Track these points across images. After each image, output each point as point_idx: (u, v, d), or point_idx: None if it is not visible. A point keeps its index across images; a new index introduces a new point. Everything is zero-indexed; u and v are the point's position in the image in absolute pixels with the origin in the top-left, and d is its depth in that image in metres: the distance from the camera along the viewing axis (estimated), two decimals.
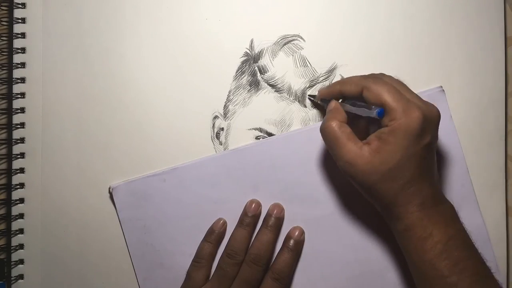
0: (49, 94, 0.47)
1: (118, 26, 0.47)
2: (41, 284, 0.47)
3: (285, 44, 0.47)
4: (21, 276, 0.47)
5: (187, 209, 0.46)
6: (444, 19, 0.47)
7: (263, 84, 0.47)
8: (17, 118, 0.47)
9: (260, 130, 0.47)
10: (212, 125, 0.47)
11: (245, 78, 0.47)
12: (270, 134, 0.47)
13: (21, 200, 0.47)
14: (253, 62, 0.47)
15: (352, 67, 0.47)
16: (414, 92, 0.40)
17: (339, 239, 0.46)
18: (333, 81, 0.47)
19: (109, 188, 0.47)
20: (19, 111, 0.47)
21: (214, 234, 0.46)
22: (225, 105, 0.47)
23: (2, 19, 0.47)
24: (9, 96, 0.47)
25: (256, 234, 0.45)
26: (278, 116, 0.47)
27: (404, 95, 0.38)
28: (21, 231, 0.47)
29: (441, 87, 0.47)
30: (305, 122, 0.47)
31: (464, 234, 0.38)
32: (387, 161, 0.37)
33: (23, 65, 0.47)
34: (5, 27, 0.47)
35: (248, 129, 0.47)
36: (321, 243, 0.46)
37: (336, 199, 0.46)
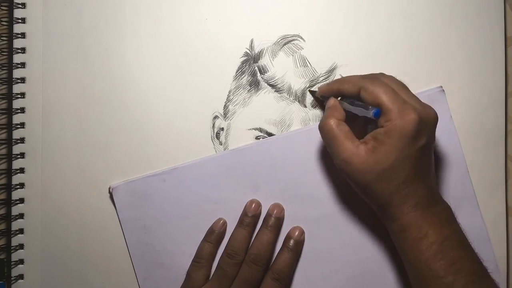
0: (49, 94, 0.47)
1: (118, 26, 0.47)
2: (41, 284, 0.47)
3: (285, 44, 0.47)
4: (21, 276, 0.47)
5: (187, 209, 0.46)
6: (444, 19, 0.47)
7: (263, 84, 0.47)
8: (17, 118, 0.47)
9: (260, 130, 0.47)
10: (212, 125, 0.47)
11: (245, 78, 0.47)
12: (270, 134, 0.47)
13: (21, 200, 0.47)
14: (253, 62, 0.47)
15: (352, 67, 0.47)
16: (413, 93, 0.40)
17: (339, 239, 0.46)
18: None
19: (109, 188, 0.47)
20: (19, 111, 0.47)
21: (214, 234, 0.46)
22: (225, 105, 0.47)
23: (2, 19, 0.47)
24: (9, 96, 0.47)
25: (256, 234, 0.45)
26: (278, 116, 0.47)
27: (400, 96, 0.38)
28: (21, 231, 0.47)
29: (441, 87, 0.47)
30: (305, 122, 0.47)
31: (460, 235, 0.38)
32: (382, 161, 0.37)
33: (23, 65, 0.47)
34: (5, 27, 0.47)
35: (248, 129, 0.47)
36: (321, 243, 0.46)
37: (336, 199, 0.46)
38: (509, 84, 0.48)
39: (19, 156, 0.47)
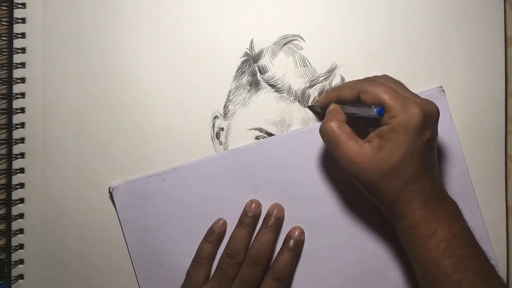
0: (49, 94, 0.47)
1: (118, 26, 0.47)
2: (41, 284, 0.47)
3: (285, 44, 0.47)
4: (21, 276, 0.47)
5: (187, 209, 0.46)
6: (444, 19, 0.47)
7: (263, 84, 0.47)
8: (17, 118, 0.47)
9: (260, 130, 0.47)
10: (212, 125, 0.47)
11: (245, 78, 0.47)
12: (270, 134, 0.47)
13: (21, 200, 0.47)
14: (253, 62, 0.47)
15: (352, 67, 0.47)
16: (412, 91, 0.40)
17: (339, 239, 0.46)
18: (333, 82, 0.47)
19: (109, 188, 0.47)
20: (19, 111, 0.47)
21: (214, 234, 0.46)
22: (225, 105, 0.47)
23: (2, 19, 0.47)
24: (9, 96, 0.47)
25: (256, 234, 0.45)
26: (278, 116, 0.47)
27: (401, 93, 0.38)
28: (21, 231, 0.47)
29: (441, 87, 0.47)
30: (305, 122, 0.47)
31: (468, 232, 0.38)
32: (389, 158, 0.37)
33: (23, 65, 0.47)
34: (5, 27, 0.47)
35: (248, 129, 0.47)
36: (321, 243, 0.46)
37: (336, 199, 0.46)
38: (509, 84, 0.48)
39: (19, 156, 0.47)
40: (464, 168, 0.46)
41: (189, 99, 0.47)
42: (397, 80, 0.41)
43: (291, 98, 0.47)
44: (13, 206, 0.47)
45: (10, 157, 0.47)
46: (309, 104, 0.47)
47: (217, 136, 0.47)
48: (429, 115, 0.38)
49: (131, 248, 0.47)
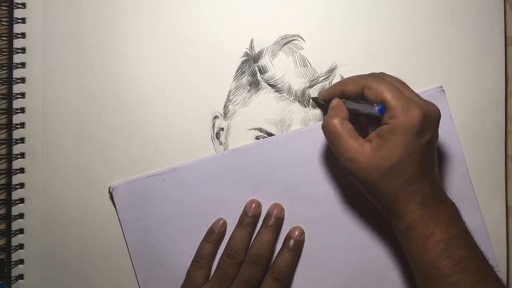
0: (49, 94, 0.47)
1: (118, 26, 0.47)
2: (41, 284, 0.47)
3: (285, 44, 0.47)
4: (21, 276, 0.47)
5: (187, 209, 0.46)
6: (444, 19, 0.47)
7: (263, 84, 0.47)
8: (17, 118, 0.47)
9: (260, 130, 0.47)
10: (212, 125, 0.47)
11: (245, 78, 0.47)
12: (270, 134, 0.47)
13: (21, 200, 0.47)
14: (253, 62, 0.47)
15: (352, 67, 0.47)
16: (414, 91, 0.40)
17: (339, 239, 0.46)
18: (333, 81, 0.47)
19: (109, 188, 0.47)
20: (19, 111, 0.47)
21: (214, 234, 0.46)
22: (225, 105, 0.47)
23: (2, 19, 0.47)
24: (9, 96, 0.47)
25: (256, 234, 0.45)
26: (278, 116, 0.47)
27: (404, 93, 0.38)
28: (21, 231, 0.47)
29: (441, 87, 0.47)
30: (305, 122, 0.47)
31: (466, 233, 0.38)
32: (387, 158, 0.37)
33: (23, 65, 0.47)
34: (5, 27, 0.47)
35: (248, 129, 0.47)
36: (321, 243, 0.46)
37: (336, 199, 0.46)
38: (509, 84, 0.48)
39: (19, 156, 0.47)
40: (464, 168, 0.46)
41: (189, 99, 0.47)
42: (401, 80, 0.41)
43: (291, 98, 0.47)
44: (13, 206, 0.47)
45: (10, 157, 0.47)
46: (312, 96, 0.47)
47: (217, 136, 0.47)
48: (430, 117, 0.38)
49: (131, 248, 0.47)
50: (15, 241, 0.47)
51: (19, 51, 0.47)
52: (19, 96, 0.47)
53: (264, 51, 0.47)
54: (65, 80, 0.47)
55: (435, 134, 0.39)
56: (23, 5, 0.47)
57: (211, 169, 0.46)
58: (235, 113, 0.47)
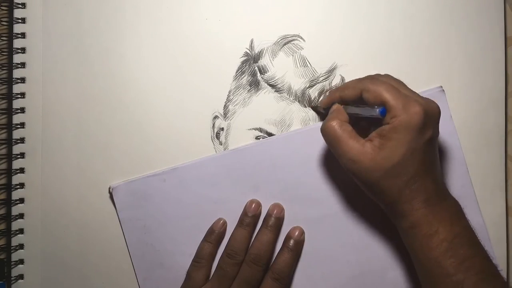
0: (49, 94, 0.47)
1: (118, 26, 0.47)
2: (41, 284, 0.47)
3: (285, 44, 0.47)
4: (21, 276, 0.47)
5: (187, 209, 0.46)
6: (444, 19, 0.47)
7: (263, 84, 0.47)
8: (17, 118, 0.47)
9: (260, 130, 0.47)
10: (212, 125, 0.47)
11: (245, 78, 0.47)
12: (270, 134, 0.47)
13: (21, 200, 0.47)
14: (253, 62, 0.47)
15: (352, 67, 0.47)
16: (411, 89, 0.40)
17: (339, 239, 0.46)
18: (333, 82, 0.47)
19: (109, 188, 0.47)
20: (19, 111, 0.47)
21: (214, 234, 0.46)
22: (225, 105, 0.47)
23: (2, 19, 0.47)
24: (9, 96, 0.47)
25: (256, 234, 0.45)
26: (278, 116, 0.47)
27: (402, 92, 0.38)
28: (21, 231, 0.47)
29: (441, 87, 0.47)
30: (305, 122, 0.47)
31: (470, 231, 0.38)
32: (390, 157, 0.37)
33: (23, 65, 0.47)
34: (5, 27, 0.47)
35: (248, 129, 0.47)
36: (321, 243, 0.46)
37: (336, 199, 0.46)
38: (509, 84, 0.48)
39: (19, 156, 0.47)
40: (464, 168, 0.46)
41: (189, 99, 0.47)
42: (398, 79, 0.41)
43: (291, 98, 0.47)
44: (13, 206, 0.47)
45: (10, 157, 0.47)
46: (312, 104, 0.47)
47: (217, 136, 0.47)
48: (430, 114, 0.38)
49: (131, 248, 0.47)
50: (15, 241, 0.47)
51: (19, 51, 0.47)
52: (19, 96, 0.47)
53: (264, 51, 0.47)
54: (65, 80, 0.47)
55: (436, 131, 0.39)
56: (23, 5, 0.47)
57: (211, 169, 0.46)
58: (235, 113, 0.47)
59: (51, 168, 0.47)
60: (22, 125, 0.47)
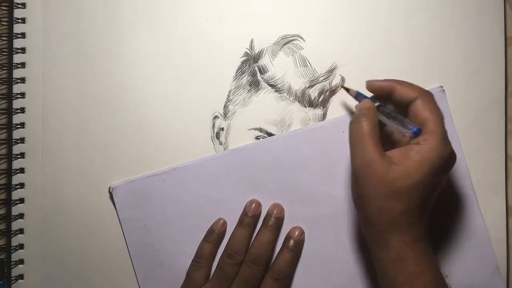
0: (49, 94, 0.47)
1: (118, 26, 0.47)
2: (41, 284, 0.47)
3: (285, 44, 0.47)
4: (21, 276, 0.47)
5: (187, 209, 0.46)
6: (444, 19, 0.47)
7: (263, 84, 0.47)
8: (17, 118, 0.47)
9: (260, 130, 0.47)
10: (212, 125, 0.47)
11: (245, 78, 0.47)
12: (270, 134, 0.47)
13: (21, 200, 0.47)
14: (253, 62, 0.47)
15: (352, 67, 0.47)
16: None
17: (339, 239, 0.46)
18: (333, 82, 0.47)
19: (109, 188, 0.47)
20: (19, 111, 0.47)
21: (214, 234, 0.46)
22: (225, 105, 0.47)
23: (2, 19, 0.47)
24: (9, 96, 0.47)
25: (256, 234, 0.45)
26: (278, 116, 0.47)
27: (444, 127, 0.38)
28: (21, 231, 0.47)
29: (441, 87, 0.47)
30: (305, 122, 0.47)
31: (444, 279, 0.38)
32: (403, 177, 0.36)
33: (23, 65, 0.47)
34: (5, 27, 0.47)
35: (248, 129, 0.47)
36: (321, 243, 0.46)
37: (336, 199, 0.46)
38: (509, 84, 0.48)
39: (19, 156, 0.47)
40: (464, 168, 0.46)
41: (189, 99, 0.47)
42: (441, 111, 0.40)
43: (291, 98, 0.47)
44: (13, 206, 0.47)
45: (10, 157, 0.47)
46: (344, 86, 0.46)
47: (217, 136, 0.47)
48: (453, 161, 0.38)
49: (131, 248, 0.47)
50: (15, 241, 0.47)
51: (19, 51, 0.47)
52: (19, 96, 0.47)
53: (264, 51, 0.47)
54: (65, 80, 0.47)
55: (446, 178, 0.39)
56: (23, 5, 0.47)
57: (211, 169, 0.46)
58: (235, 113, 0.47)
59: (51, 168, 0.47)
60: (22, 125, 0.47)
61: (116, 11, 0.47)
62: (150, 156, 0.47)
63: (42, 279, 0.47)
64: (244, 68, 0.47)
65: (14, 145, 0.47)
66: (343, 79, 0.47)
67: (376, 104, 0.41)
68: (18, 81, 0.47)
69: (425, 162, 0.36)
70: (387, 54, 0.47)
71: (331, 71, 0.47)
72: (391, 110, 0.40)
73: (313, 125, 0.47)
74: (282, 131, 0.47)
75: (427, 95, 0.39)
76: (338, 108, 0.47)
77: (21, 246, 0.47)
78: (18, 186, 0.47)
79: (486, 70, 0.47)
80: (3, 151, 0.48)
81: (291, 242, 0.45)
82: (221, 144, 0.47)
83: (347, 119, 0.46)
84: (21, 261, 0.47)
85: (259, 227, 0.46)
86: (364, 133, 0.38)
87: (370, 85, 0.42)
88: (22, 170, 0.47)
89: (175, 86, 0.47)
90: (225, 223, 0.46)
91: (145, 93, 0.47)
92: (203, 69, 0.47)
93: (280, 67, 0.47)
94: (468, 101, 0.47)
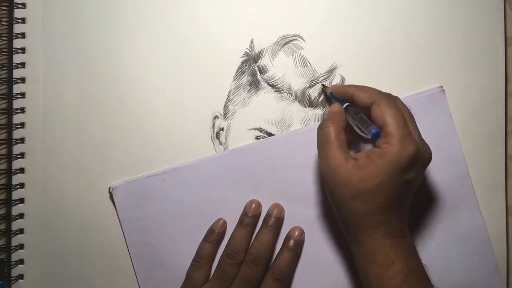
0: (49, 94, 0.47)
1: (118, 26, 0.47)
2: (41, 284, 0.47)
3: (285, 44, 0.47)
4: (21, 276, 0.47)
5: (187, 209, 0.46)
6: (444, 19, 0.47)
7: (263, 84, 0.47)
8: (17, 118, 0.47)
9: (260, 130, 0.47)
10: (212, 125, 0.47)
11: (245, 78, 0.47)
12: (270, 134, 0.47)
13: (21, 200, 0.47)
14: (253, 62, 0.47)
15: (352, 67, 0.47)
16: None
17: (339, 239, 0.46)
18: (333, 82, 0.47)
19: (109, 188, 0.47)
20: (19, 111, 0.47)
21: (214, 234, 0.46)
22: (225, 105, 0.47)
23: (2, 19, 0.47)
24: (9, 96, 0.47)
25: (256, 234, 0.45)
26: (278, 116, 0.47)
27: (407, 126, 0.38)
28: (21, 231, 0.47)
29: (441, 87, 0.47)
30: (305, 122, 0.47)
31: (423, 269, 0.39)
32: (366, 181, 0.37)
33: (23, 65, 0.47)
34: (5, 27, 0.47)
35: (248, 129, 0.47)
36: (321, 243, 0.46)
37: None
38: (509, 84, 0.48)
39: (19, 156, 0.47)
40: (464, 168, 0.46)
41: (189, 99, 0.47)
42: (411, 113, 0.41)
43: (291, 98, 0.47)
44: (13, 206, 0.47)
45: (10, 157, 0.47)
46: (324, 83, 0.47)
47: (217, 136, 0.47)
48: (422, 157, 0.38)
49: (131, 248, 0.47)
50: (15, 241, 0.47)
51: (19, 51, 0.47)
52: (19, 96, 0.47)
53: (264, 51, 0.47)
54: (65, 80, 0.47)
55: (420, 175, 0.39)
56: (23, 5, 0.47)
57: (211, 169, 0.46)
58: (235, 113, 0.47)
59: (51, 168, 0.47)
60: (22, 125, 0.47)
61: (116, 11, 0.47)
62: (150, 156, 0.47)
63: (42, 279, 0.47)
64: (244, 68, 0.47)
65: (14, 145, 0.47)
66: (343, 79, 0.47)
67: (345, 104, 0.42)
68: (18, 81, 0.47)
69: (386, 165, 0.37)
70: (387, 54, 0.47)
71: (331, 71, 0.47)
72: (356, 111, 0.41)
73: (313, 125, 0.47)
74: (282, 131, 0.47)
75: (384, 99, 0.40)
76: None
77: (21, 246, 0.47)
78: (18, 186, 0.47)
79: (486, 70, 0.47)
80: (3, 151, 0.48)
81: (291, 242, 0.45)
82: (221, 144, 0.47)
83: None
84: (21, 261, 0.47)
85: (259, 227, 0.46)
86: (329, 138, 0.40)
87: (333, 90, 0.44)
88: (22, 170, 0.47)
89: (175, 86, 0.47)
90: (225, 223, 0.46)
91: (145, 93, 0.47)
92: (203, 69, 0.47)
93: (280, 67, 0.47)
94: (468, 101, 0.47)
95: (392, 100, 0.40)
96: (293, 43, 0.47)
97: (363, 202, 0.37)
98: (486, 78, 0.47)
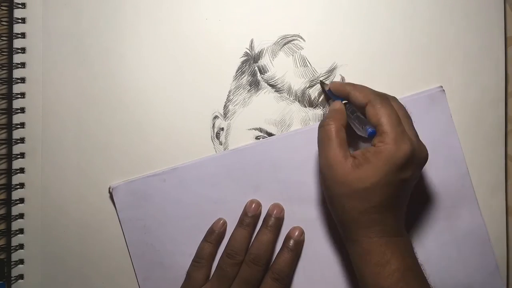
0: (49, 94, 0.47)
1: (118, 26, 0.47)
2: (41, 284, 0.47)
3: (285, 44, 0.47)
4: (21, 276, 0.47)
5: (187, 209, 0.46)
6: (444, 19, 0.47)
7: (263, 84, 0.47)
8: (17, 118, 0.47)
9: (260, 130, 0.47)
10: (212, 125, 0.47)
11: (245, 78, 0.47)
12: (270, 134, 0.47)
13: (21, 200, 0.47)
14: (253, 62, 0.47)
15: (352, 67, 0.47)
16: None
17: (339, 239, 0.46)
18: (333, 81, 0.47)
19: (109, 188, 0.47)
20: (19, 111, 0.47)
21: (214, 234, 0.46)
22: (225, 105, 0.47)
23: (2, 19, 0.47)
24: (9, 96, 0.47)
25: (256, 234, 0.45)
26: (278, 116, 0.47)
27: (402, 125, 0.38)
28: (21, 231, 0.47)
29: (441, 87, 0.47)
30: (305, 122, 0.47)
31: (419, 268, 0.39)
32: (362, 179, 0.37)
33: (23, 65, 0.47)
34: (5, 27, 0.47)
35: (248, 129, 0.47)
36: (321, 243, 0.46)
37: None
38: (509, 84, 0.48)
39: (19, 156, 0.47)
40: (464, 168, 0.46)
41: (189, 99, 0.47)
42: (407, 113, 0.41)
43: (291, 98, 0.47)
44: (13, 206, 0.47)
45: (10, 157, 0.47)
46: (322, 80, 0.47)
47: (217, 136, 0.47)
48: (417, 157, 0.38)
49: (131, 248, 0.47)
50: (15, 241, 0.47)
51: (19, 51, 0.47)
52: (19, 96, 0.47)
53: (264, 51, 0.47)
54: (65, 80, 0.47)
55: (416, 175, 0.39)
56: (23, 5, 0.47)
57: (211, 169, 0.46)
58: (235, 113, 0.47)
59: (51, 168, 0.47)
60: (22, 125, 0.47)
61: (116, 11, 0.47)
62: (150, 156, 0.47)
63: (42, 279, 0.47)
64: (244, 68, 0.47)
65: (14, 145, 0.47)
66: (343, 79, 0.47)
67: (343, 102, 0.42)
68: (18, 81, 0.47)
69: (381, 163, 0.37)
70: (387, 54, 0.47)
71: (331, 71, 0.47)
72: (353, 110, 0.41)
73: (313, 125, 0.47)
74: (282, 131, 0.47)
75: (378, 99, 0.40)
76: None
77: (21, 246, 0.47)
78: (18, 186, 0.47)
79: (486, 70, 0.47)
80: (3, 151, 0.48)
81: (291, 242, 0.45)
82: (221, 144, 0.47)
83: None
84: (21, 261, 0.47)
85: (259, 227, 0.46)
86: (329, 136, 0.40)
87: (331, 87, 0.44)
88: (22, 170, 0.47)
89: (175, 86, 0.47)
90: (225, 223, 0.46)
91: (145, 93, 0.47)
92: (203, 69, 0.47)
93: (280, 67, 0.47)
94: (468, 101, 0.47)
95: (386, 100, 0.40)
96: (293, 43, 0.47)
97: (358, 200, 0.38)
98: (486, 78, 0.47)
